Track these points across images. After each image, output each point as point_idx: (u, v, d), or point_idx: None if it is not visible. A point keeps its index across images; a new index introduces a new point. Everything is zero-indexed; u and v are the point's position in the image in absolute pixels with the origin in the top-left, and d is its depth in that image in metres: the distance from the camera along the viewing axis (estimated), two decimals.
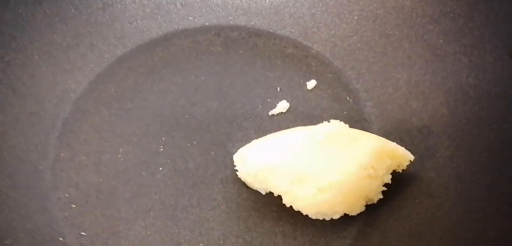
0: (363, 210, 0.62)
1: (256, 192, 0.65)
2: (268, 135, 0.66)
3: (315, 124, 0.70)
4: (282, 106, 0.73)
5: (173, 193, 0.66)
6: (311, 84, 0.76)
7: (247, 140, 0.69)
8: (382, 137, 0.69)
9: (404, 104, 0.71)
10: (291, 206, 0.61)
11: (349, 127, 0.70)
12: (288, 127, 0.71)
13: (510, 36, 0.66)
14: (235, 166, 0.65)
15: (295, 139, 0.62)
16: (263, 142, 0.64)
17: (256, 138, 0.69)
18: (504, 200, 0.59)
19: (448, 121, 0.67)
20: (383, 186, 0.62)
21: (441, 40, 0.71)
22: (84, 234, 0.63)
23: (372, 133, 0.69)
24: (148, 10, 0.84)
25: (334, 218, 0.61)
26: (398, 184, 0.65)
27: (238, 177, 0.65)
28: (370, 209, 0.63)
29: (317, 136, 0.61)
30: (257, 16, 0.84)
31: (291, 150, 0.61)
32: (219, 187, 0.66)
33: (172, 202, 0.65)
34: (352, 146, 0.60)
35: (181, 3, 0.85)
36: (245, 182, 0.65)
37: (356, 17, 0.79)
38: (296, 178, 0.59)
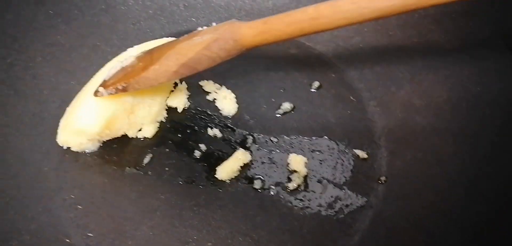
0: None
1: (263, 192, 0.65)
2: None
3: (320, 124, 0.71)
4: (287, 107, 0.74)
5: (179, 192, 0.66)
6: (314, 85, 0.76)
7: (253, 140, 0.70)
8: (386, 135, 0.70)
9: (407, 103, 0.72)
10: (301, 206, 0.62)
11: (353, 126, 0.71)
12: (292, 127, 0.72)
13: None
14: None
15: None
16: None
17: (263, 137, 0.69)
18: (509, 196, 0.60)
19: (452, 119, 0.68)
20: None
21: (443, 40, 0.72)
22: (91, 235, 0.62)
23: (377, 132, 0.70)
24: (151, 11, 0.84)
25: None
26: (404, 181, 0.65)
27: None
28: (377, 207, 0.63)
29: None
30: (260, 17, 0.83)
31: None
32: (226, 185, 0.66)
33: (179, 202, 0.65)
34: None
35: (184, 5, 0.85)
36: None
37: None
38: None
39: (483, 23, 0.69)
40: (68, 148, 0.68)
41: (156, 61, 0.65)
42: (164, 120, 0.73)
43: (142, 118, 0.70)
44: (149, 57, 0.67)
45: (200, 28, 0.69)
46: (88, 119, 0.66)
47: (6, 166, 0.66)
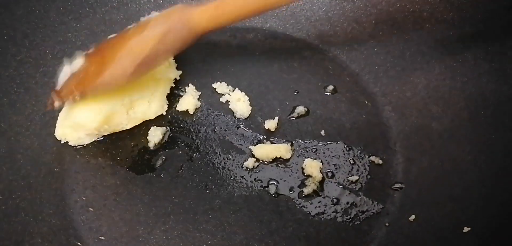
0: None
1: (277, 197, 0.65)
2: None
3: (335, 128, 0.70)
4: (301, 110, 0.73)
5: (193, 196, 0.65)
6: (329, 88, 0.75)
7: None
8: (402, 141, 0.69)
9: (423, 109, 0.71)
10: (317, 212, 0.62)
11: (369, 130, 0.70)
12: (307, 130, 0.71)
13: None
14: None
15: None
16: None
17: (277, 140, 0.69)
18: None
19: (469, 126, 0.67)
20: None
21: (461, 46, 0.71)
22: (103, 238, 0.61)
23: (392, 137, 0.70)
24: (163, 9, 0.82)
25: None
26: (420, 188, 0.65)
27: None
28: (393, 214, 0.63)
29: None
30: (273, 18, 0.83)
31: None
32: (240, 190, 0.65)
33: (193, 206, 0.64)
34: None
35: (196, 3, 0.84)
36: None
37: (373, 22, 0.79)
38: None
39: (502, 30, 0.68)
40: (85, 148, 0.68)
41: (109, 63, 0.62)
42: (174, 121, 0.72)
43: (142, 113, 0.69)
44: (100, 58, 0.63)
45: (143, 18, 0.65)
46: (87, 114, 0.65)
47: (16, 166, 0.65)
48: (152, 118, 0.71)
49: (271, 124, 0.70)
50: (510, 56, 0.67)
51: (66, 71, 0.65)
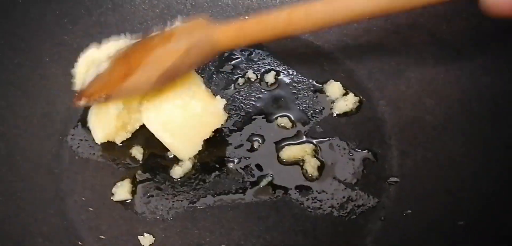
0: None
1: (274, 192, 0.65)
2: None
3: (329, 124, 0.71)
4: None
5: (192, 194, 0.66)
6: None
7: (263, 141, 0.70)
8: (396, 135, 0.70)
9: (417, 102, 0.72)
10: (313, 207, 0.62)
11: (364, 125, 0.71)
12: None
13: None
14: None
15: None
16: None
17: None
18: None
19: (463, 119, 0.68)
20: None
21: (454, 39, 0.72)
22: (103, 237, 0.62)
23: (387, 131, 0.70)
24: (158, 11, 0.83)
25: None
26: (415, 182, 0.65)
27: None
28: (389, 208, 0.64)
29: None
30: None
31: None
32: (237, 186, 0.66)
33: (191, 203, 0.65)
34: None
35: (191, 4, 0.84)
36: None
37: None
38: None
39: (495, 22, 0.68)
40: (83, 149, 0.69)
41: (134, 69, 0.63)
42: None
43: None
44: (126, 63, 0.64)
45: (168, 28, 0.66)
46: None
47: (16, 168, 0.66)
48: None
49: None
50: (503, 49, 0.68)
51: (91, 72, 0.66)
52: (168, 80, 0.63)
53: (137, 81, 0.63)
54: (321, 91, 0.75)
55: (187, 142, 0.65)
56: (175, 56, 0.62)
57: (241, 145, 0.69)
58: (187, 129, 0.64)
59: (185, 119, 0.63)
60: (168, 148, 0.66)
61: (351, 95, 0.74)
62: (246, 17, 0.65)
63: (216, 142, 0.70)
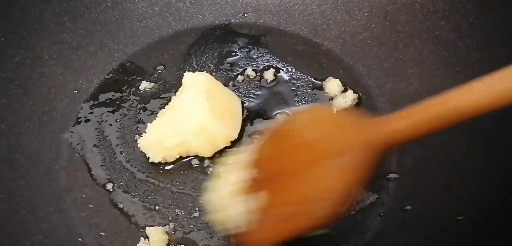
0: None
1: None
2: None
3: None
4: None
5: (192, 192, 0.66)
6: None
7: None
8: None
9: (417, 99, 0.71)
10: None
11: None
12: None
13: None
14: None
15: None
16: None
17: None
18: None
19: None
20: None
21: (453, 36, 0.72)
22: (103, 234, 0.62)
23: None
24: (157, 8, 0.83)
25: None
26: (415, 179, 0.65)
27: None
28: (388, 204, 0.64)
29: None
30: (267, 13, 0.84)
31: None
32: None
33: (192, 201, 0.65)
34: None
35: (190, 1, 0.84)
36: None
37: (366, 14, 0.80)
38: None
39: (495, 19, 0.68)
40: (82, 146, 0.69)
41: (296, 202, 0.48)
42: None
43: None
44: (278, 191, 0.50)
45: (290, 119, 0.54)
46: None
47: (16, 166, 0.66)
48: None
49: None
50: (501, 45, 0.68)
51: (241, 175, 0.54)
52: (343, 210, 0.49)
53: (310, 221, 0.48)
54: (320, 88, 0.75)
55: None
56: (345, 178, 0.46)
57: (241, 142, 0.70)
58: None
59: None
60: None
61: (350, 92, 0.74)
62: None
63: None
